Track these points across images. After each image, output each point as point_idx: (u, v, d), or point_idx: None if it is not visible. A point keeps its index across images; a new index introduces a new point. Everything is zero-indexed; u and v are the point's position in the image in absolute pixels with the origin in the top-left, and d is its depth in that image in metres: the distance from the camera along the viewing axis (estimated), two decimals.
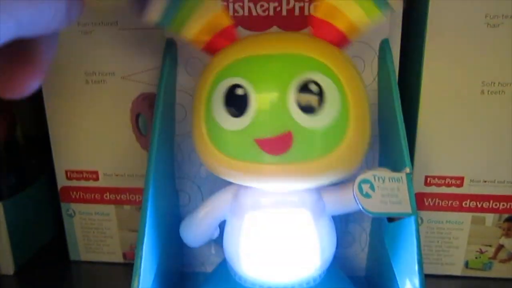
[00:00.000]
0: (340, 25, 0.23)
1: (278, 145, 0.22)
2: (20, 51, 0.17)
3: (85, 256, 0.36)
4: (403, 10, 0.28)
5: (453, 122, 0.30)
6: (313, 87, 0.22)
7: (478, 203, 0.32)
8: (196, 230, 0.28)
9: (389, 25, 0.28)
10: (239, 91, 0.22)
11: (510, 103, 0.29)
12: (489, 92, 0.29)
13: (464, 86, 0.30)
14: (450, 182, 0.31)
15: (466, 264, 0.33)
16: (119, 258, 0.36)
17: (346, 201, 0.26)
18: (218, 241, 0.29)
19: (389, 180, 0.25)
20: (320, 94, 0.22)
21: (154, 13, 0.23)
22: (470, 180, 0.31)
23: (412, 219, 0.24)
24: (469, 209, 0.32)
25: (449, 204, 0.32)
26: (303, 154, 0.22)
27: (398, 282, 0.26)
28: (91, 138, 0.33)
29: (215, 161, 0.24)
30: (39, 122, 0.35)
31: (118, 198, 0.34)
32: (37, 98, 0.33)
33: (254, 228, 0.25)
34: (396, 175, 0.25)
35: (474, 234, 0.32)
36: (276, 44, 0.23)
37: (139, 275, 0.24)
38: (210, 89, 0.23)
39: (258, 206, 0.25)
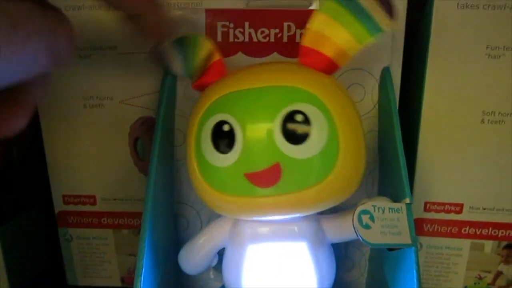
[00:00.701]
0: (328, 52, 0.23)
1: (267, 177, 0.22)
2: (6, 92, 0.17)
3: (82, 280, 0.35)
4: (404, 37, 0.28)
5: (453, 149, 0.30)
6: (298, 118, 0.22)
7: (477, 230, 0.32)
8: (195, 258, 0.28)
9: (390, 52, 0.28)
10: (225, 127, 0.22)
11: (510, 132, 0.29)
12: (489, 122, 0.29)
13: (464, 115, 0.30)
14: (449, 209, 0.31)
15: None
16: (117, 283, 0.35)
17: (345, 230, 0.26)
18: (217, 266, 0.29)
19: (389, 211, 0.25)
20: (306, 124, 0.22)
21: (177, 68, 0.26)
22: (470, 207, 0.31)
23: (412, 250, 0.24)
24: (468, 236, 0.32)
25: (448, 230, 0.32)
26: (294, 184, 0.22)
27: None
28: (89, 163, 0.32)
29: (208, 197, 0.24)
30: (36, 143, 0.35)
31: (116, 222, 0.34)
32: (33, 118, 0.33)
33: (254, 260, 0.25)
34: (396, 205, 0.25)
35: (473, 260, 0.32)
36: (260, 77, 0.23)
37: None
38: (198, 126, 0.24)
39: (257, 237, 0.25)
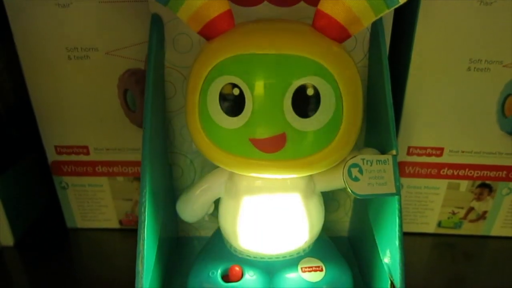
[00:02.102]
0: (343, 19, 0.23)
1: (272, 145, 0.23)
2: None
3: (81, 223, 0.37)
4: None
5: (439, 96, 0.31)
6: (310, 92, 0.22)
7: (455, 171, 0.34)
8: (192, 208, 0.29)
9: None
10: (235, 91, 0.22)
11: (494, 80, 0.30)
12: (476, 69, 0.30)
13: (451, 63, 0.30)
14: (430, 152, 0.33)
15: (439, 224, 0.36)
16: (115, 225, 0.37)
17: (335, 181, 0.28)
18: (213, 213, 0.30)
19: (377, 163, 0.26)
20: (316, 98, 0.22)
21: None
22: (450, 150, 0.33)
23: (396, 198, 0.26)
24: (446, 176, 0.34)
25: (428, 172, 0.34)
26: (296, 152, 0.23)
27: (379, 250, 0.28)
28: (79, 114, 0.32)
29: (210, 151, 0.25)
30: (21, 92, 0.34)
31: (110, 170, 0.34)
32: (17, 68, 0.32)
33: (249, 210, 0.27)
34: (383, 157, 0.26)
35: (448, 198, 0.35)
36: (274, 42, 0.22)
37: (143, 242, 0.25)
38: (204, 84, 0.23)
39: (253, 189, 0.27)
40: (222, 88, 0.22)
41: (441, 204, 0.35)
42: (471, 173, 0.34)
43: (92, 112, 0.32)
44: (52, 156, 0.34)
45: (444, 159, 0.33)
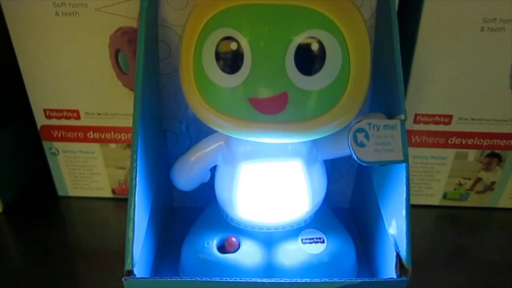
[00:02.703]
0: None
1: (272, 106, 0.21)
2: None
3: (73, 191, 0.36)
4: None
5: (449, 60, 0.29)
6: (314, 47, 0.20)
7: (463, 140, 0.32)
8: (187, 174, 0.28)
9: None
10: (233, 46, 0.20)
11: (510, 41, 0.28)
12: (489, 29, 0.28)
13: (464, 23, 0.28)
14: (438, 120, 0.32)
15: (445, 196, 0.35)
16: (108, 194, 0.36)
17: (339, 148, 0.26)
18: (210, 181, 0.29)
19: (384, 128, 0.25)
20: (322, 54, 0.20)
21: None
22: (459, 118, 0.31)
23: (403, 165, 0.25)
24: (454, 145, 0.33)
25: (436, 141, 0.32)
26: (298, 114, 0.21)
27: (384, 220, 0.27)
28: (68, 76, 0.30)
29: (205, 113, 0.23)
30: (7, 53, 0.32)
31: (102, 136, 0.33)
32: (3, 29, 0.30)
33: (247, 177, 0.25)
34: (390, 122, 0.25)
35: (455, 168, 0.34)
36: None
37: (134, 209, 0.23)
38: (199, 39, 0.21)
39: (251, 155, 0.25)
40: (218, 43, 0.21)
41: (448, 175, 0.34)
42: (480, 141, 0.32)
43: (82, 74, 0.30)
44: (41, 120, 0.32)
45: (453, 127, 0.32)
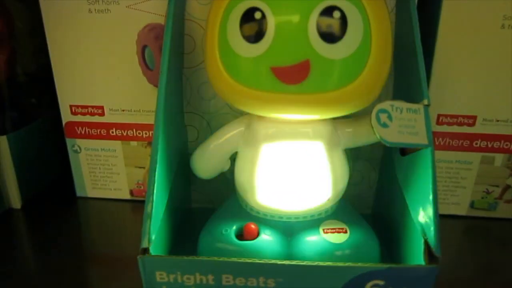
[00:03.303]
0: None
1: (294, 74, 0.21)
2: None
3: (91, 192, 0.36)
4: None
5: (471, 57, 0.29)
6: (336, 14, 0.21)
7: (489, 142, 0.31)
8: (207, 162, 0.28)
9: None
10: (257, 15, 0.21)
11: None
12: (510, 27, 0.28)
13: (484, 20, 0.29)
14: (462, 121, 0.31)
15: (472, 204, 0.34)
16: (126, 195, 0.35)
17: (361, 133, 0.26)
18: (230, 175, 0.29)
19: (407, 111, 0.24)
20: (343, 22, 0.21)
21: None
22: (483, 119, 0.31)
23: (428, 150, 0.24)
24: (480, 149, 0.32)
25: (460, 144, 0.32)
26: (321, 84, 0.21)
27: (410, 211, 0.26)
28: (96, 72, 0.32)
29: (229, 90, 0.23)
30: (40, 58, 0.34)
31: (124, 134, 0.33)
32: (38, 33, 0.32)
33: (268, 158, 0.25)
34: (414, 106, 0.25)
35: (482, 174, 0.32)
36: None
37: (150, 226, 0.22)
38: (225, 12, 0.22)
39: (273, 136, 0.25)
40: (243, 14, 0.21)
41: (474, 181, 0.33)
42: (507, 145, 0.31)
43: (109, 70, 0.31)
44: (66, 116, 0.33)
45: (477, 129, 0.31)
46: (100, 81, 0.32)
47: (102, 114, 0.33)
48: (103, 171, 0.35)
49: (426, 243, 0.23)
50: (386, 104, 0.24)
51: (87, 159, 0.34)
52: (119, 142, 0.34)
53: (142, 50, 0.31)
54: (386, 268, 0.22)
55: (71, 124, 0.33)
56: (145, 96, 0.32)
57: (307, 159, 0.25)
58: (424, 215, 0.24)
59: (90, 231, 0.33)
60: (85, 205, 0.36)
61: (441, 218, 0.34)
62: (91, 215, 0.35)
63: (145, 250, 0.22)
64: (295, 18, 0.21)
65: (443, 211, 0.34)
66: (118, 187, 0.35)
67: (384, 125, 0.24)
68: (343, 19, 0.21)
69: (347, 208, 0.28)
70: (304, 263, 0.22)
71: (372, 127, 0.23)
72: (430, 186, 0.24)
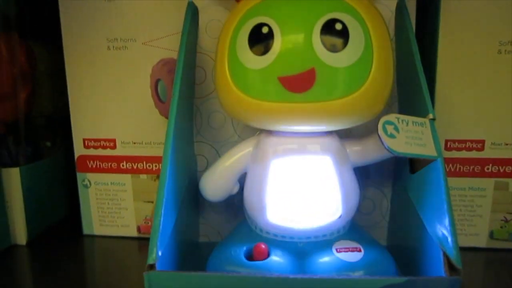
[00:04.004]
0: None
1: (301, 82, 0.22)
2: None
3: (98, 229, 0.35)
4: None
5: (471, 83, 0.30)
6: (338, 26, 0.22)
7: (500, 167, 0.31)
8: (216, 183, 0.28)
9: None
10: (264, 29, 0.22)
11: None
12: (506, 52, 0.30)
13: (481, 47, 0.30)
14: (470, 146, 0.31)
15: (491, 235, 0.32)
16: (133, 232, 0.35)
17: (369, 150, 0.26)
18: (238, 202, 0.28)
19: (413, 124, 0.25)
20: (345, 33, 0.22)
21: None
22: (491, 143, 0.31)
23: (439, 162, 0.24)
24: (492, 174, 0.31)
25: (471, 170, 0.31)
26: (327, 92, 0.22)
27: (428, 230, 0.24)
28: (110, 105, 0.33)
29: (237, 104, 0.24)
30: (59, 101, 0.36)
31: (135, 167, 0.34)
32: (58, 76, 0.34)
33: (277, 175, 0.25)
34: (419, 119, 0.25)
35: (497, 201, 0.32)
36: None
37: (157, 242, 0.22)
38: (235, 29, 0.24)
39: (281, 153, 0.25)
40: (252, 29, 0.23)
41: (491, 209, 0.32)
42: None
43: (123, 103, 0.33)
44: (79, 150, 0.34)
45: (487, 153, 0.31)
46: (114, 114, 0.33)
47: (114, 147, 0.33)
48: (112, 206, 0.34)
49: (445, 255, 0.22)
50: (392, 117, 0.24)
51: (96, 194, 0.34)
52: (129, 175, 0.34)
53: (156, 84, 0.32)
54: (405, 281, 0.21)
55: (83, 158, 0.34)
56: (156, 128, 0.33)
57: (317, 175, 0.25)
58: (440, 227, 0.23)
59: (95, 271, 0.32)
60: (91, 243, 0.35)
61: (460, 251, 0.33)
62: (97, 253, 0.34)
63: (152, 266, 0.21)
64: (300, 30, 0.22)
65: (462, 243, 0.32)
66: (126, 224, 0.35)
67: (391, 136, 0.24)
68: (345, 30, 0.22)
69: (359, 229, 0.27)
70: (319, 276, 0.21)
71: (379, 137, 0.23)
72: (444, 197, 0.23)
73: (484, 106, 0.30)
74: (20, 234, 0.33)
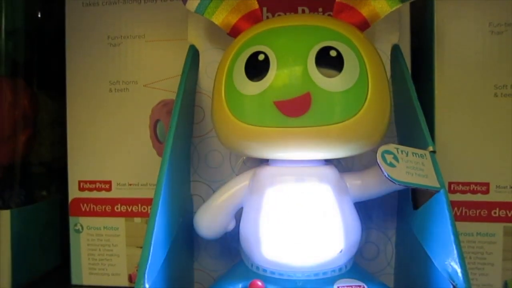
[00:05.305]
0: (362, 10, 0.25)
1: (297, 106, 0.22)
2: None
3: (87, 278, 0.33)
4: (410, 17, 0.30)
5: (470, 126, 0.30)
6: (332, 53, 0.23)
7: (508, 211, 0.30)
8: (211, 219, 0.27)
9: (398, 31, 0.30)
10: (260, 57, 0.23)
11: None
12: (502, 95, 0.30)
13: (477, 91, 0.30)
14: (475, 189, 0.30)
15: (505, 286, 0.30)
16: (124, 281, 0.33)
17: (370, 183, 0.26)
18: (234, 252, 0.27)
19: (413, 155, 0.24)
20: (339, 59, 0.23)
21: (192, 3, 0.27)
22: (496, 186, 0.30)
23: (442, 193, 0.23)
24: (500, 219, 0.30)
25: (478, 214, 0.30)
26: (323, 117, 0.22)
27: (437, 266, 0.23)
28: (109, 147, 0.33)
29: (233, 132, 0.24)
30: (58, 150, 0.36)
31: (129, 210, 0.33)
32: (59, 125, 0.34)
33: (274, 207, 0.24)
34: (420, 151, 0.25)
35: (508, 248, 0.30)
36: (298, 18, 0.25)
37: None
38: (232, 59, 0.24)
39: (278, 184, 0.24)
40: (249, 57, 0.23)
41: (502, 257, 0.30)
42: None
43: (121, 144, 0.33)
44: (73, 193, 0.33)
45: (492, 196, 0.30)
46: (112, 156, 0.33)
47: (109, 189, 0.33)
48: (103, 252, 0.33)
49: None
50: (391, 146, 0.24)
51: (88, 239, 0.33)
52: (122, 219, 0.33)
53: (155, 124, 0.32)
54: None
55: (76, 201, 0.33)
56: (153, 170, 0.31)
57: (315, 207, 0.24)
58: (448, 260, 0.21)
59: None
60: None
61: None
62: None
63: None
64: (295, 56, 0.22)
65: None
66: (117, 272, 0.33)
67: (391, 165, 0.23)
68: (339, 56, 0.22)
69: (361, 269, 0.26)
70: None
71: (379, 166, 0.23)
72: (450, 228, 0.22)
73: (486, 148, 0.30)
74: (3, 283, 0.31)
